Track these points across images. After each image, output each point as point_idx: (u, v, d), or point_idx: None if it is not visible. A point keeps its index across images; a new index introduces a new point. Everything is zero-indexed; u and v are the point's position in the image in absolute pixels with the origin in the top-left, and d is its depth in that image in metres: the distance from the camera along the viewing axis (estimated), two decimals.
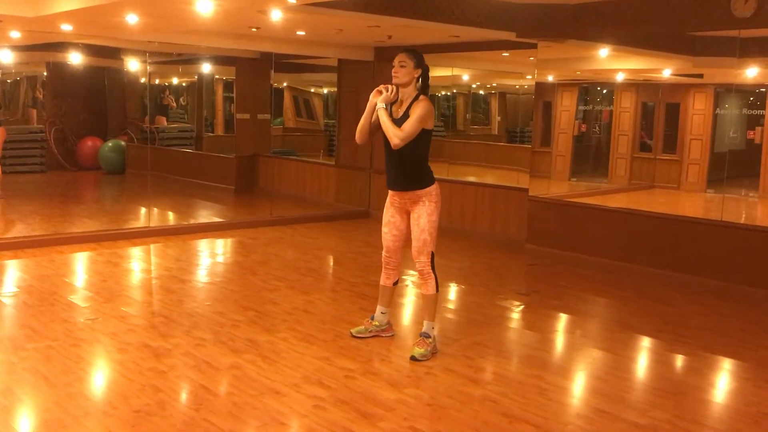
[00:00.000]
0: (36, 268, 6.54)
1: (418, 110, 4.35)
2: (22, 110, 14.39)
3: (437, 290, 4.55)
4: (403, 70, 4.43)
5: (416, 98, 4.44)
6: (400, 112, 4.46)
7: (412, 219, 4.54)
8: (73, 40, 10.33)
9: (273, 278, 6.44)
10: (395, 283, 4.79)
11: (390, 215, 4.66)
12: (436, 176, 4.58)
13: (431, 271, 4.51)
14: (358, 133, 4.60)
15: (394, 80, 4.45)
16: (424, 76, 4.51)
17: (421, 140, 4.42)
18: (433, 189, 4.52)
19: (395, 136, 4.33)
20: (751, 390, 4.23)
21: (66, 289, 5.90)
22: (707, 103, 10.32)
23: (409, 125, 4.33)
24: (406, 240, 4.71)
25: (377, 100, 4.44)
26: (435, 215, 4.51)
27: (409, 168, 4.50)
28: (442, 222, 4.59)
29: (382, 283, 4.80)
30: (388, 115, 4.43)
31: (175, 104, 14.80)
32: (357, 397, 3.85)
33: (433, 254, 4.51)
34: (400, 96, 4.50)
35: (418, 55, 4.50)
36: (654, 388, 4.19)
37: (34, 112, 14.03)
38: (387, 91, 4.44)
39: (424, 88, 4.52)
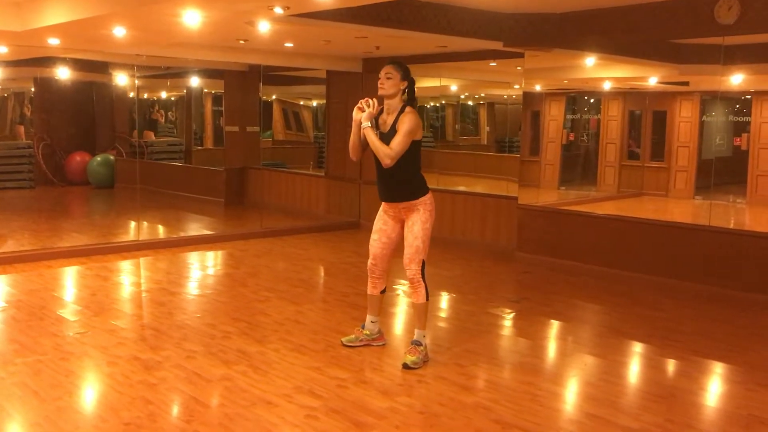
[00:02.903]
0: (24, 283, 6.50)
1: (406, 124, 4.34)
2: (9, 126, 14.32)
3: (427, 299, 4.54)
4: (389, 82, 4.43)
5: (402, 110, 4.43)
6: (388, 125, 4.45)
7: (405, 227, 4.54)
8: (61, 54, 10.29)
9: (263, 289, 6.42)
10: (382, 292, 4.78)
11: (382, 223, 4.66)
12: (429, 187, 4.59)
13: (421, 279, 4.49)
14: (351, 151, 4.61)
15: (380, 91, 4.45)
16: (411, 88, 4.50)
17: (412, 152, 4.41)
18: (427, 198, 4.52)
19: (386, 156, 4.32)
20: (742, 393, 4.24)
21: (55, 303, 5.86)
22: (694, 110, 10.41)
23: (398, 142, 4.32)
24: (395, 249, 4.71)
25: (361, 118, 4.41)
26: (429, 223, 4.50)
27: (401, 180, 4.49)
28: (434, 231, 4.60)
29: (369, 292, 4.79)
30: (375, 132, 4.42)
31: (164, 120, 14.78)
32: (349, 406, 3.84)
33: (424, 263, 4.51)
34: (385, 108, 4.50)
35: (404, 67, 4.50)
36: (646, 393, 4.20)
37: (22, 128, 13.96)
38: (369, 106, 4.41)
39: (411, 100, 4.52)
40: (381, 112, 4.53)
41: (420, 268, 4.48)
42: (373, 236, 4.70)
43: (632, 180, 11.03)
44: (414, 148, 4.42)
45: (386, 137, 4.40)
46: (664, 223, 7.29)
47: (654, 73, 9.26)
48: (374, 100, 4.44)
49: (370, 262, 4.73)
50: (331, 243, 8.86)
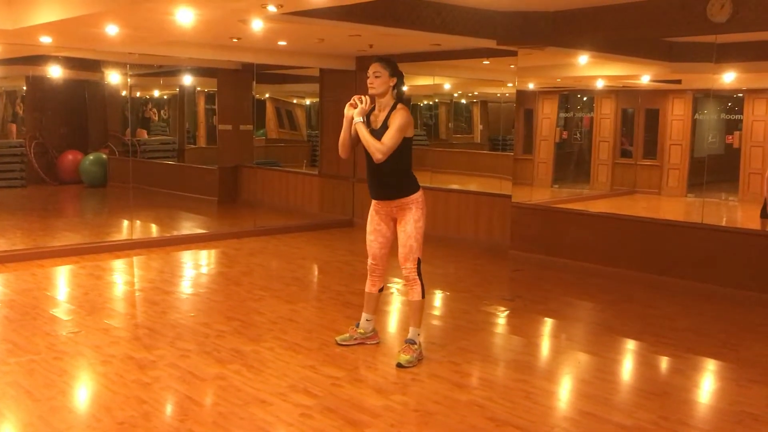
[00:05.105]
0: (17, 282, 6.47)
1: (398, 120, 4.33)
2: (1, 125, 14.26)
3: (423, 296, 4.55)
4: (378, 80, 4.41)
5: (394, 107, 4.42)
6: (379, 122, 4.44)
7: (398, 226, 4.55)
8: (53, 53, 10.25)
9: (257, 288, 6.41)
10: (380, 290, 4.79)
11: (375, 223, 4.66)
12: (420, 185, 4.59)
13: (417, 277, 4.51)
14: (341, 148, 4.58)
15: (371, 91, 4.44)
16: (400, 83, 4.49)
17: (403, 149, 4.41)
18: (419, 196, 4.52)
19: (377, 150, 4.30)
20: (735, 389, 4.27)
21: (48, 302, 5.84)
22: (686, 108, 10.45)
23: (389, 137, 4.30)
24: (392, 247, 4.71)
25: (353, 114, 4.40)
26: (421, 222, 4.51)
27: (392, 178, 4.49)
28: (427, 229, 4.61)
29: (367, 290, 4.80)
30: (367, 128, 4.41)
31: (157, 117, 14.76)
32: (344, 404, 3.84)
33: (419, 260, 4.52)
34: (377, 106, 4.49)
35: (392, 63, 4.49)
36: (639, 390, 4.22)
37: (14, 127, 13.91)
38: (362, 102, 4.40)
39: (401, 95, 4.51)
40: (373, 109, 4.53)
41: (416, 266, 4.50)
42: (369, 237, 4.70)
43: (625, 178, 11.07)
44: (405, 146, 4.42)
45: (378, 134, 4.38)
46: (656, 220, 7.31)
47: (647, 71, 9.28)
48: (367, 97, 4.44)
49: (370, 262, 4.73)
50: (325, 241, 8.85)
